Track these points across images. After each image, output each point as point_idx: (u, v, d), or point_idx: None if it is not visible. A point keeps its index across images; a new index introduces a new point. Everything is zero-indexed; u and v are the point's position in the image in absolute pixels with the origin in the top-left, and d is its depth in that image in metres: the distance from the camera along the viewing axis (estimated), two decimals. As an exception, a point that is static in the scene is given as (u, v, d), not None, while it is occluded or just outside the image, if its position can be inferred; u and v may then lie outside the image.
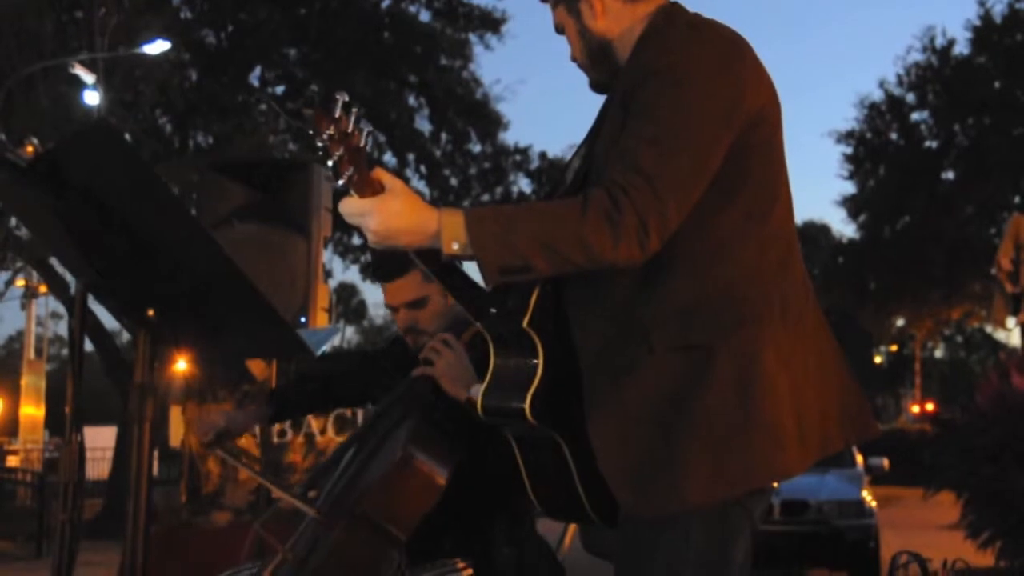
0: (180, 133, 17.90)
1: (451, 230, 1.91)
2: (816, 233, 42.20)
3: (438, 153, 20.45)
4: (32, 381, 26.63)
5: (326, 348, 2.90)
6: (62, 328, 42.54)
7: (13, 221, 15.55)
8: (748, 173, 2.04)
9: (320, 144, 1.93)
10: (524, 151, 21.49)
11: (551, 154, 21.55)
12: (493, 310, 2.14)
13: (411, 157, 20.11)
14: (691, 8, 2.17)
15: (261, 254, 5.45)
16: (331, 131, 1.91)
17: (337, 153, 1.92)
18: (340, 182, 1.98)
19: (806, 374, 2.05)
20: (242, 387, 6.12)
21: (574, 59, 2.24)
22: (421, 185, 20.14)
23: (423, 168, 20.28)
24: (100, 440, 28.03)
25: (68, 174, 1.83)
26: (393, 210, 1.93)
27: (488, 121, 20.39)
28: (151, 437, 1.93)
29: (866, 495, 9.64)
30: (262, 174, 6.21)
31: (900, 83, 29.64)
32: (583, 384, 2.08)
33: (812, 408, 2.04)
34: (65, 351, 46.12)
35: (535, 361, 2.06)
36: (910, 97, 29.64)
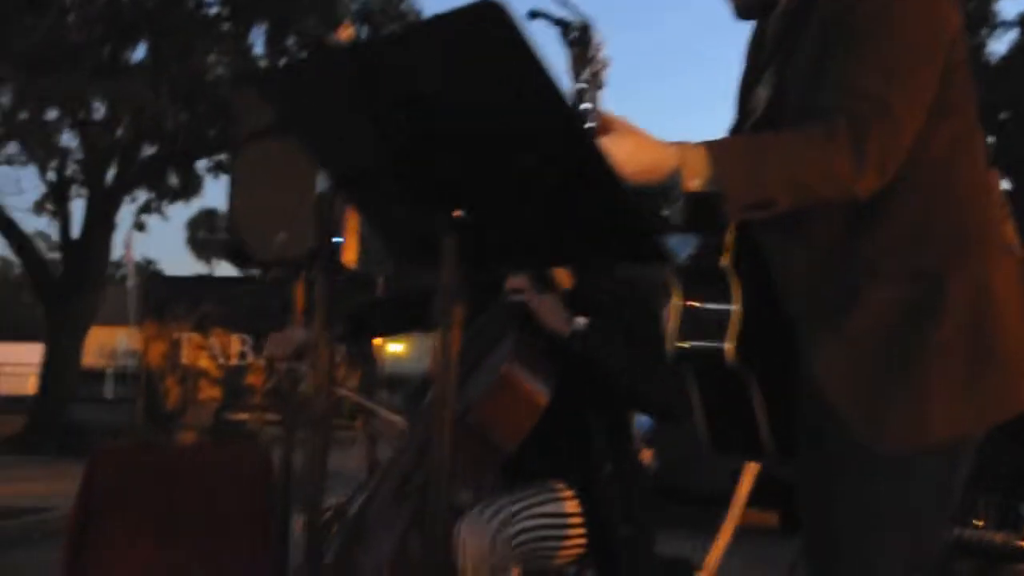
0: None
1: (693, 166, 1.80)
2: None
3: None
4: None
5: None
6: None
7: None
8: (953, 93, 1.95)
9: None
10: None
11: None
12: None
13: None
14: None
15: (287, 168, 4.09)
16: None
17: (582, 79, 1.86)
18: None
19: None
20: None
21: None
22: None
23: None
24: (25, 356, 28.12)
25: (400, 58, 1.65)
26: (626, 150, 1.78)
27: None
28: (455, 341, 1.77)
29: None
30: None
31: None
32: (795, 320, 2.02)
33: None
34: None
35: (732, 301, 1.99)
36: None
